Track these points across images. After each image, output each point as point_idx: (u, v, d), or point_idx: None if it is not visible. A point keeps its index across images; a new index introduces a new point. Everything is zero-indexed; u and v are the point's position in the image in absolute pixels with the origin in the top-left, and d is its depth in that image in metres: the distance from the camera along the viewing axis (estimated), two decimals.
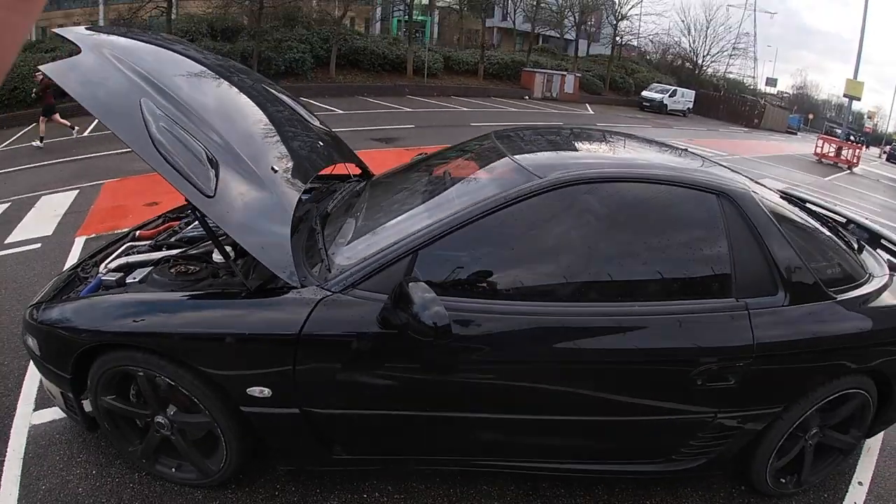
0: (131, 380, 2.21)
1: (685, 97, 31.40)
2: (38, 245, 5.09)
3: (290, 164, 2.55)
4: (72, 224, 5.73)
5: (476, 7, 29.03)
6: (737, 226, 2.18)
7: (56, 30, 2.69)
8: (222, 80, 2.85)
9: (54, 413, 2.73)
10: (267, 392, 1.99)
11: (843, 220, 3.23)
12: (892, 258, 2.87)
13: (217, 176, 2.04)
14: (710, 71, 42.12)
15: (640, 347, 2.09)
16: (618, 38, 33.11)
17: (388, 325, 1.83)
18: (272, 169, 2.34)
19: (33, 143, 9.69)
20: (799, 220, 2.44)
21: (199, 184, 1.95)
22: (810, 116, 48.58)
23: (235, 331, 2.01)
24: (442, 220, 2.03)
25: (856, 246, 2.65)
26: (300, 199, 2.43)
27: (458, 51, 28.48)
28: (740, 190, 2.26)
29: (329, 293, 1.93)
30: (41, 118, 9.81)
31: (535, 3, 30.19)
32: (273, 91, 3.27)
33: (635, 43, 39.04)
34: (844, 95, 25.56)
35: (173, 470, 2.34)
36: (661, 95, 29.97)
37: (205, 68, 2.82)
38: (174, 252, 2.53)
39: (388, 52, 25.13)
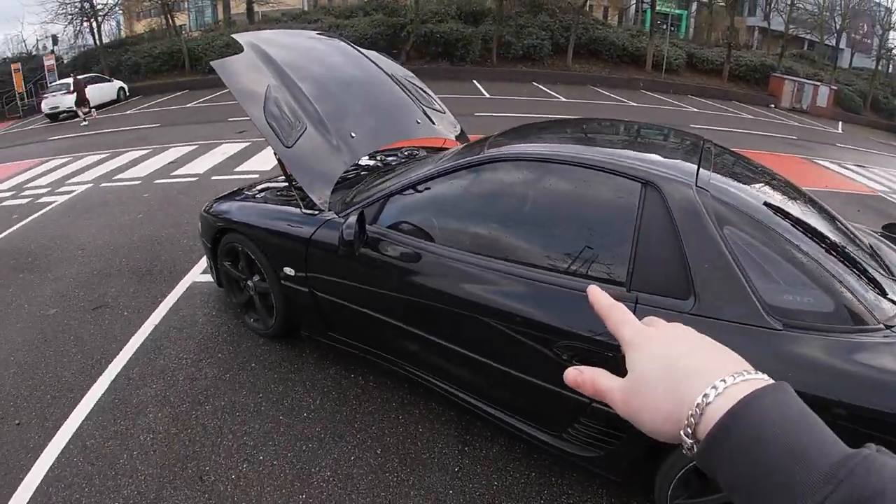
0: (236, 253, 3.49)
1: None
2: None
3: (369, 134, 3.48)
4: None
5: (732, 3, 26.89)
6: (653, 218, 2.08)
7: (234, 35, 4.06)
8: (345, 67, 3.95)
9: (208, 278, 4.21)
10: (291, 271, 3.10)
11: None
12: None
13: (300, 135, 3.15)
14: None
15: (520, 308, 2.23)
16: (885, 51, 28.18)
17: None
18: (351, 135, 3.36)
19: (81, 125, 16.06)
20: (779, 234, 2.00)
21: (283, 138, 3.07)
22: None
23: (283, 230, 3.15)
24: (400, 182, 2.81)
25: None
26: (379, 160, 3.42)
27: (702, 48, 26.89)
28: (674, 183, 2.10)
29: (333, 218, 2.92)
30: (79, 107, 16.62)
31: (790, 1, 27.05)
32: (397, 77, 4.21)
33: None
34: None
35: (252, 321, 3.68)
36: None
37: (333, 59, 3.97)
38: (280, 184, 3.73)
39: (628, 45, 25.13)
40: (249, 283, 3.54)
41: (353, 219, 2.58)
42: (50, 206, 7.56)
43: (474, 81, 21.80)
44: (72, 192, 8.26)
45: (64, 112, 18.80)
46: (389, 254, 2.65)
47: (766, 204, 2.10)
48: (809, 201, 2.57)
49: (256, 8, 28.75)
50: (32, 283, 4.90)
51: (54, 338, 3.90)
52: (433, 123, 4.05)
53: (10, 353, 3.74)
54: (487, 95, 18.69)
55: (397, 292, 2.64)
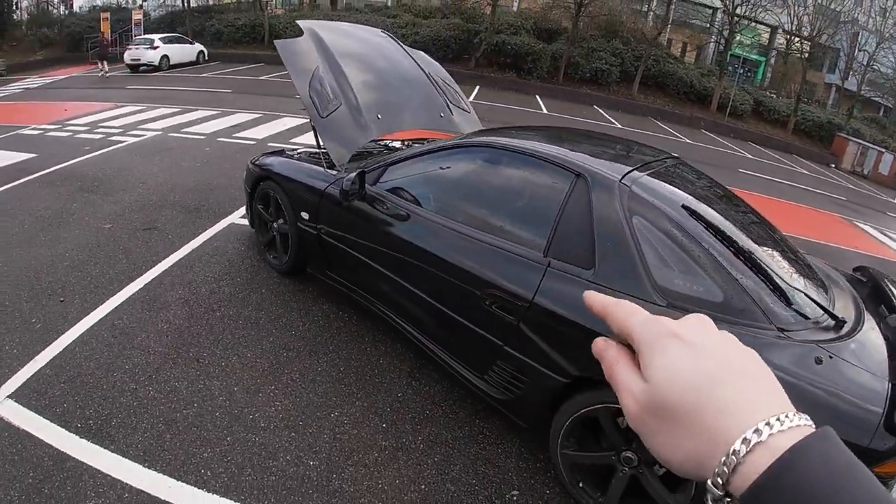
0: (269, 199, 4.17)
1: None
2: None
3: (394, 117, 4.12)
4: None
5: (808, 57, 26.49)
6: (577, 202, 2.49)
7: (298, 21, 4.75)
8: (386, 60, 4.58)
9: (245, 222, 5.10)
10: (307, 216, 3.75)
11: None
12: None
13: (334, 109, 3.79)
14: None
15: (463, 260, 2.72)
16: None
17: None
18: (378, 116, 3.99)
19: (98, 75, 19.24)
20: (685, 231, 2.29)
21: (319, 110, 3.73)
22: None
23: (306, 182, 3.81)
24: (398, 156, 3.43)
25: (795, 295, 2.23)
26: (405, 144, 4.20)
27: (772, 97, 26.55)
28: (601, 178, 2.49)
29: (345, 177, 3.47)
30: (100, 60, 19.49)
31: (863, 62, 26.51)
32: (433, 75, 4.78)
33: None
34: None
35: (272, 257, 4.38)
36: None
37: (378, 52, 4.61)
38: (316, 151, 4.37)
39: (696, 82, 25.05)
40: (275, 224, 4.21)
41: (353, 175, 3.24)
42: (121, 145, 8.56)
43: (537, 96, 22.26)
44: (142, 136, 9.26)
45: (144, 65, 20.38)
46: (377, 209, 3.23)
47: (683, 206, 2.41)
48: (759, 224, 2.90)
49: None
50: (95, 202, 5.79)
51: (106, 245, 4.72)
52: (455, 119, 4.64)
53: (67, 251, 4.58)
54: (545, 111, 19.19)
55: (378, 240, 3.20)
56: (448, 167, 3.21)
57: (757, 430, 0.41)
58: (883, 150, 24.52)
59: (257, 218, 4.50)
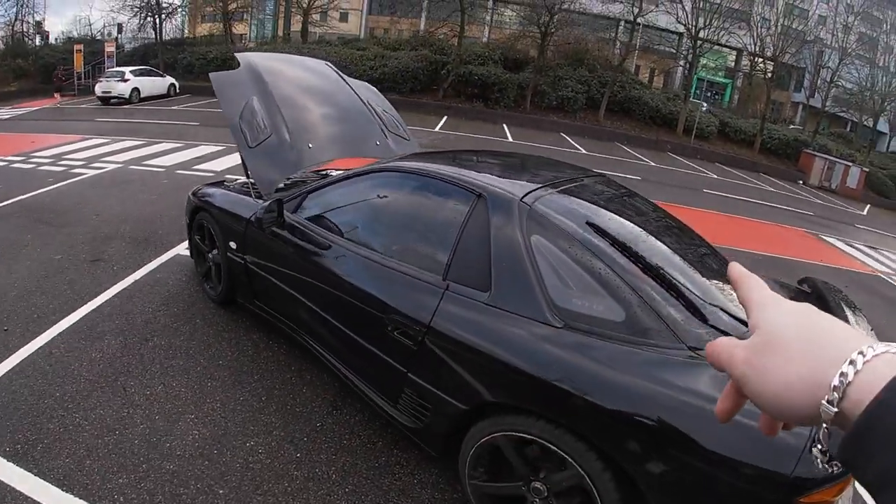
0: (204, 229, 4.23)
1: None
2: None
3: (326, 147, 4.16)
4: None
5: (772, 77, 27.27)
6: (476, 223, 2.44)
7: (236, 53, 4.87)
8: (323, 91, 4.68)
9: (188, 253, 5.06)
10: (234, 245, 3.79)
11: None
12: None
13: (264, 140, 3.87)
14: None
15: (369, 286, 2.72)
16: None
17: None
18: (308, 145, 4.05)
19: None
20: (587, 249, 2.20)
21: (248, 140, 3.81)
22: None
23: (234, 211, 3.83)
24: (316, 184, 3.51)
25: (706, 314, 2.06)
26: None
27: (737, 118, 27.25)
28: (500, 198, 2.45)
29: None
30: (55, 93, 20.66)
31: (827, 79, 27.36)
32: (371, 104, 4.87)
33: None
34: None
35: (209, 287, 4.39)
36: None
37: (315, 83, 4.71)
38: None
39: (661, 107, 25.63)
40: (210, 255, 4.26)
41: (268, 203, 3.29)
42: (82, 177, 8.59)
43: (504, 125, 22.64)
44: (103, 168, 9.30)
45: (115, 97, 20.49)
46: (295, 237, 3.24)
47: (588, 223, 2.34)
48: (685, 239, 2.82)
49: (312, 29, 30.37)
50: (49, 234, 5.81)
51: (54, 276, 4.75)
52: (392, 147, 4.76)
53: (16, 281, 4.60)
54: (510, 139, 19.51)
55: (297, 269, 3.23)
56: (360, 193, 3.25)
57: (862, 352, 0.44)
58: (850, 164, 25.10)
59: (195, 248, 4.55)
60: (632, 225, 2.63)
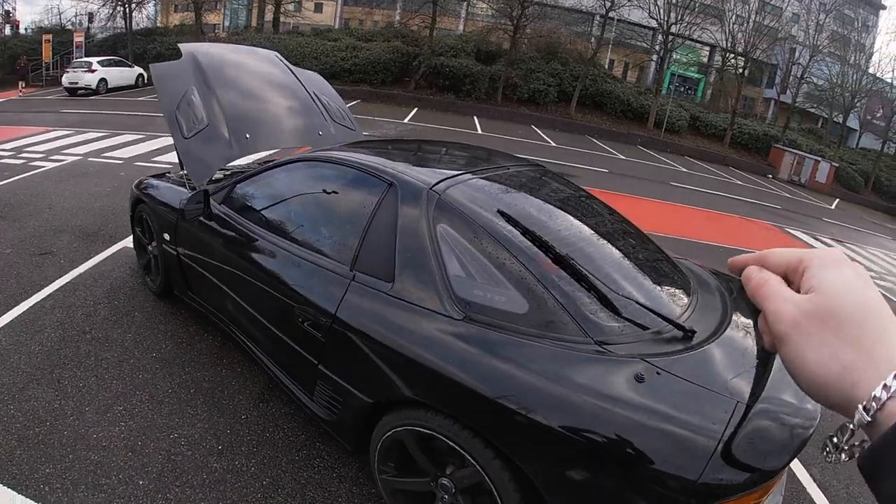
0: (143, 221, 4.26)
1: None
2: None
3: (265, 137, 4.19)
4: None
5: (742, 73, 27.67)
6: (386, 212, 2.40)
7: (179, 44, 4.89)
8: (267, 80, 4.66)
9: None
10: (168, 237, 3.79)
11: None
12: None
13: (199, 131, 3.92)
14: None
15: (281, 277, 2.71)
16: (893, 132, 29.18)
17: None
18: (245, 136, 4.06)
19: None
20: (494, 239, 2.15)
21: (183, 131, 3.84)
22: None
23: (167, 202, 3.82)
24: (244, 174, 3.50)
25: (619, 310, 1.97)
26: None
27: (708, 112, 27.60)
28: (411, 186, 2.42)
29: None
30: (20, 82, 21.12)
31: (798, 75, 27.87)
32: (316, 94, 4.90)
33: None
34: None
35: (150, 280, 4.42)
36: None
37: (259, 73, 4.70)
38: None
39: (633, 101, 25.81)
40: (149, 247, 4.28)
41: (192, 194, 3.32)
42: (39, 170, 8.47)
43: (474, 117, 22.72)
44: (62, 161, 9.20)
45: (81, 88, 20.16)
46: (221, 228, 3.23)
47: (500, 212, 2.26)
48: (614, 230, 2.72)
49: (285, 19, 30.15)
50: (1, 228, 5.77)
51: (1, 269, 4.74)
52: (337, 137, 4.75)
53: None
54: (480, 132, 19.57)
55: (223, 260, 3.22)
56: (282, 183, 3.26)
57: None
58: (819, 158, 25.53)
59: (137, 241, 4.56)
60: (554, 214, 2.57)
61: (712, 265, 3.16)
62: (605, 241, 2.47)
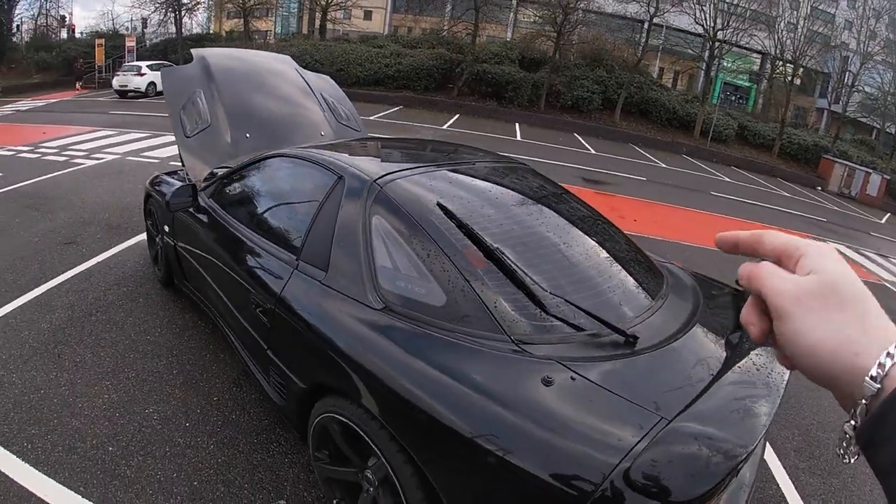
0: (153, 214, 4.57)
1: None
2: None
3: (266, 137, 4.35)
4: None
5: (792, 81, 26.86)
6: (331, 204, 2.49)
7: (192, 49, 5.20)
8: (273, 83, 4.97)
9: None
10: (167, 229, 4.05)
11: None
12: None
13: (200, 130, 4.21)
14: None
15: (249, 265, 2.85)
16: None
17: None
18: (246, 136, 4.39)
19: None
20: (425, 232, 2.15)
21: (186, 131, 4.14)
22: None
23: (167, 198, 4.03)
24: (229, 169, 3.65)
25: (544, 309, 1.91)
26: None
27: (757, 122, 26.86)
28: (356, 178, 2.50)
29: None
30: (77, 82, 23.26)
31: (850, 84, 26.85)
32: (325, 97, 5.17)
33: None
34: None
35: (157, 269, 4.68)
36: None
37: (267, 76, 5.01)
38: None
39: (678, 109, 25.37)
40: (157, 238, 4.57)
41: (177, 187, 3.54)
42: (79, 167, 9.08)
43: (515, 124, 22.70)
44: (102, 159, 9.82)
45: (131, 91, 21.23)
46: (205, 220, 3.45)
47: (439, 205, 2.24)
48: (584, 229, 2.60)
49: (334, 26, 30.89)
50: (34, 218, 6.27)
51: (28, 256, 5.18)
52: (336, 136, 4.91)
53: None
54: (519, 138, 19.64)
55: (206, 250, 3.42)
56: (256, 178, 3.43)
57: None
58: (871, 171, 24.44)
59: (147, 233, 4.87)
60: (507, 210, 2.51)
61: (731, 276, 3.12)
62: (560, 239, 2.40)
